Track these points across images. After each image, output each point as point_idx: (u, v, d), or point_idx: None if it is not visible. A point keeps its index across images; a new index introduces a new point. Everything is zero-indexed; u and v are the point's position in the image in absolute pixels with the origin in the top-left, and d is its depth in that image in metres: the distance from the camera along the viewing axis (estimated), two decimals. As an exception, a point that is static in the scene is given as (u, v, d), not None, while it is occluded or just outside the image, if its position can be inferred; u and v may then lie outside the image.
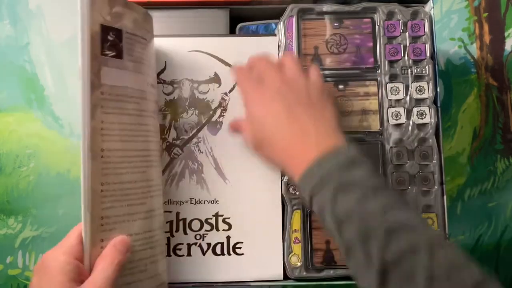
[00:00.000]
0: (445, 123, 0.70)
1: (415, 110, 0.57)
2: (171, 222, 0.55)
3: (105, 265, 0.42)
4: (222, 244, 0.55)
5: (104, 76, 0.45)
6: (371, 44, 0.58)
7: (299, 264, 0.55)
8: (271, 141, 0.49)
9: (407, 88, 0.57)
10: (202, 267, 0.54)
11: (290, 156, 0.47)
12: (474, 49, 0.71)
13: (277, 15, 0.59)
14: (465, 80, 0.71)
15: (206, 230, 0.55)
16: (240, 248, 0.55)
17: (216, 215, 0.55)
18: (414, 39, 0.58)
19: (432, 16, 0.58)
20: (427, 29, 0.58)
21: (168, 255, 0.54)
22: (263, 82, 0.50)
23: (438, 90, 0.57)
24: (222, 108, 0.56)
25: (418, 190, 0.56)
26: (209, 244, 0.55)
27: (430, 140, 0.56)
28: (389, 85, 0.57)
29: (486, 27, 0.71)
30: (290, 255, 0.55)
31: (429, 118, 0.56)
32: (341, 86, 0.58)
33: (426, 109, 0.57)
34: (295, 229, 0.55)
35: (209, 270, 0.54)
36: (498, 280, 0.38)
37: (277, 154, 0.49)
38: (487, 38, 0.71)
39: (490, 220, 0.69)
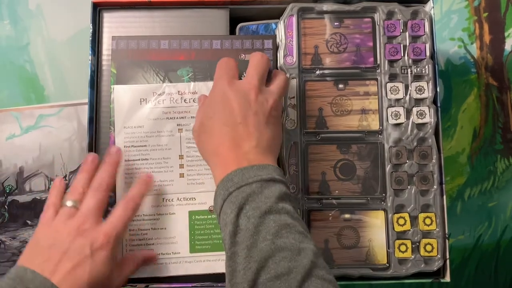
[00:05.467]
0: (445, 123, 0.70)
1: (414, 109, 0.57)
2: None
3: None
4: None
5: None
6: (371, 43, 0.58)
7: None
8: (213, 130, 0.49)
9: (406, 87, 0.57)
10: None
11: (221, 154, 0.48)
12: (474, 49, 0.71)
13: (277, 15, 0.59)
14: (465, 80, 0.71)
15: None
16: None
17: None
18: (414, 38, 0.58)
19: (432, 16, 0.58)
20: (427, 29, 0.58)
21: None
22: (238, 81, 0.51)
23: (438, 90, 0.57)
24: None
25: (417, 189, 0.56)
26: None
27: (430, 140, 0.56)
28: (389, 85, 0.57)
29: (486, 27, 0.71)
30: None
31: (429, 118, 0.56)
32: (341, 85, 0.58)
33: (425, 109, 0.57)
34: (294, 229, 0.55)
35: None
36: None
37: (211, 146, 0.49)
38: (487, 38, 0.71)
39: (490, 220, 0.69)
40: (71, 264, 0.46)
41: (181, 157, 0.56)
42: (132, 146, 0.56)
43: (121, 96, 0.57)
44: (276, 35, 0.59)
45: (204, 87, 0.57)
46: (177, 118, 0.56)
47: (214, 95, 0.51)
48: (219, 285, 0.54)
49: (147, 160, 0.56)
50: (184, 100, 0.57)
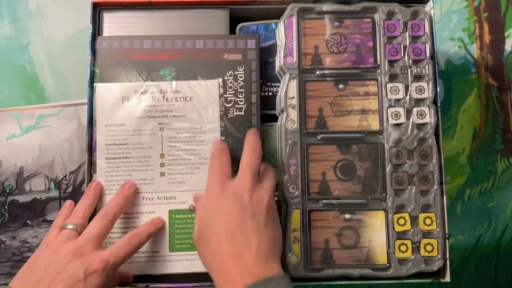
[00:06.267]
0: (445, 123, 0.70)
1: (415, 110, 0.57)
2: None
3: None
4: None
5: None
6: (371, 43, 0.58)
7: (298, 263, 0.55)
8: (211, 241, 0.48)
9: (407, 88, 0.57)
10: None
11: (223, 269, 0.46)
12: (474, 49, 0.71)
13: (277, 15, 0.59)
14: (465, 80, 0.71)
15: None
16: None
17: None
18: (414, 39, 0.58)
19: (432, 16, 0.58)
20: (427, 29, 0.58)
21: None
22: (231, 181, 0.50)
23: (438, 90, 0.57)
24: None
25: (418, 190, 0.56)
26: None
27: (430, 140, 0.56)
28: (389, 85, 0.57)
29: (486, 27, 0.71)
30: (290, 255, 0.55)
31: (429, 118, 0.56)
32: (341, 86, 0.58)
33: (426, 109, 0.57)
34: (294, 229, 0.55)
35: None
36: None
37: (212, 259, 0.47)
38: (487, 38, 0.71)
39: (490, 220, 0.69)
40: (64, 285, 0.46)
41: (162, 155, 0.56)
42: (113, 144, 0.56)
43: (103, 94, 0.57)
44: (259, 34, 0.60)
45: (187, 86, 0.57)
46: (158, 116, 0.57)
47: (208, 202, 0.50)
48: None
49: (128, 159, 0.56)
50: (166, 99, 0.57)
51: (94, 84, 0.57)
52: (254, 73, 0.58)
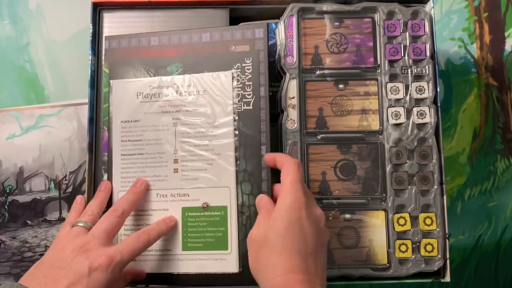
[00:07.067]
0: (445, 123, 0.70)
1: (415, 110, 0.57)
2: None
3: None
4: None
5: None
6: (371, 43, 0.58)
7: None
8: (283, 252, 0.46)
9: (407, 87, 0.57)
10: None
11: (282, 281, 0.45)
12: (474, 49, 0.71)
13: (277, 15, 0.59)
14: (465, 80, 0.71)
15: None
16: None
17: None
18: (414, 38, 0.58)
19: (432, 16, 0.58)
20: (427, 29, 0.58)
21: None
22: (309, 198, 0.49)
23: (438, 90, 0.57)
24: None
25: (418, 190, 0.56)
26: None
27: (430, 140, 0.56)
28: (389, 85, 0.57)
29: (486, 27, 0.71)
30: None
31: (429, 118, 0.56)
32: (341, 85, 0.58)
33: (426, 109, 0.57)
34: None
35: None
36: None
37: (275, 270, 0.46)
38: (487, 38, 0.71)
39: (490, 220, 0.69)
40: (68, 281, 0.45)
41: (175, 151, 0.56)
42: (128, 140, 0.56)
43: (118, 90, 0.57)
44: (267, 23, 0.58)
45: (200, 79, 0.56)
46: (172, 112, 0.56)
47: (291, 210, 0.47)
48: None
49: (142, 155, 0.56)
50: (180, 94, 0.56)
51: (110, 81, 0.57)
52: (262, 64, 0.55)
